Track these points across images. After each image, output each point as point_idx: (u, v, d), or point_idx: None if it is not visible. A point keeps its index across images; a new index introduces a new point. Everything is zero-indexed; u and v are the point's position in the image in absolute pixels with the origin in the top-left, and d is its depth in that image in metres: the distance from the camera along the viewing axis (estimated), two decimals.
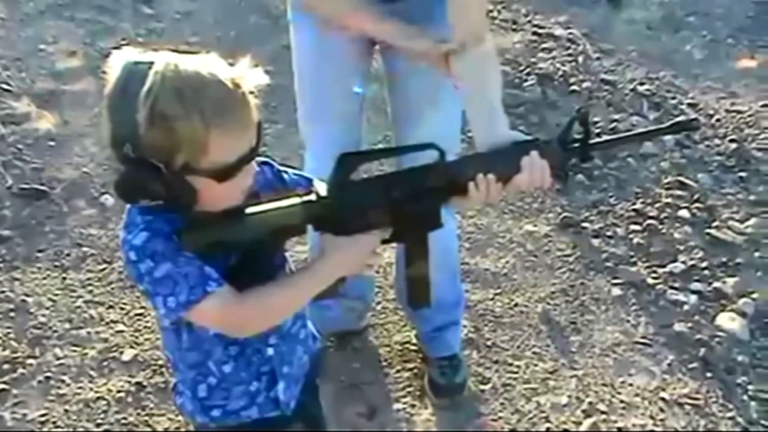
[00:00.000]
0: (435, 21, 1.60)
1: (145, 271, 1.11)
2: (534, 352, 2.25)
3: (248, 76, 1.11)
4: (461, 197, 1.31)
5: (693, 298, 2.44)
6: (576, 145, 1.34)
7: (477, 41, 1.49)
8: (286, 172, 1.29)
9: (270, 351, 1.27)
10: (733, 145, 3.11)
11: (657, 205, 2.80)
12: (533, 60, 3.50)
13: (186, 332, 1.21)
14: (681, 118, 1.36)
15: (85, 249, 2.47)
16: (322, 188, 1.22)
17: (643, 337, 2.31)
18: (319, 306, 2.13)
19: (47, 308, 2.29)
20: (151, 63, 1.07)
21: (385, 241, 1.29)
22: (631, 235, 2.68)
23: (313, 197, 1.21)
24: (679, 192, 2.86)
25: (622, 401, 2.12)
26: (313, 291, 1.23)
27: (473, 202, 1.32)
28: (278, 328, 1.26)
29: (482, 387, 2.14)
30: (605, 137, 1.42)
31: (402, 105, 1.84)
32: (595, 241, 2.65)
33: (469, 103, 1.49)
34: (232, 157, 1.09)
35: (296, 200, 1.20)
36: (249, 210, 1.17)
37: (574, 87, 3.37)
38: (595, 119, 3.18)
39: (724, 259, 2.58)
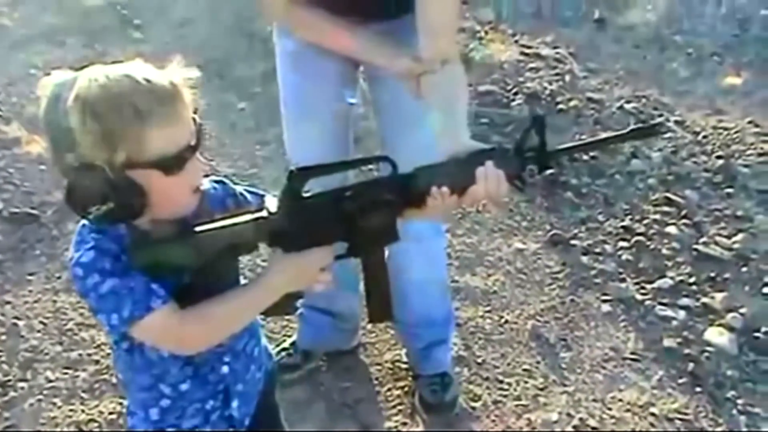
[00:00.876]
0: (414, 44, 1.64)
1: (91, 287, 1.11)
2: (524, 369, 2.26)
3: (177, 71, 1.12)
4: (417, 209, 1.28)
5: (681, 313, 2.45)
6: (532, 153, 1.30)
7: (447, 60, 1.52)
8: (240, 193, 1.29)
9: (224, 369, 1.26)
10: (720, 162, 3.15)
11: (645, 221, 2.82)
12: (520, 79, 3.54)
13: (138, 353, 1.21)
14: (642, 124, 1.31)
15: None
16: (273, 204, 1.20)
17: (633, 353, 2.32)
18: (311, 325, 2.16)
19: (38, 331, 2.29)
20: (76, 76, 1.10)
21: (340, 256, 1.27)
22: (619, 252, 2.70)
23: (264, 213, 1.19)
24: (666, 208, 2.88)
25: (612, 416, 2.13)
26: (257, 306, 1.21)
27: (429, 214, 1.30)
28: (232, 346, 1.26)
29: (473, 404, 2.14)
30: (563, 144, 1.36)
31: (388, 121, 1.86)
32: (584, 258, 2.67)
33: (435, 117, 1.50)
34: (173, 148, 1.09)
35: (247, 217, 1.19)
36: (200, 228, 1.16)
37: (561, 106, 3.41)
38: (583, 137, 3.21)
39: (712, 275, 2.60)
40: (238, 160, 3.03)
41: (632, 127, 1.37)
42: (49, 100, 1.10)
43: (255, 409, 1.34)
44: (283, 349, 2.20)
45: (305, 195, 1.21)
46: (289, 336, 2.27)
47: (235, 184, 1.31)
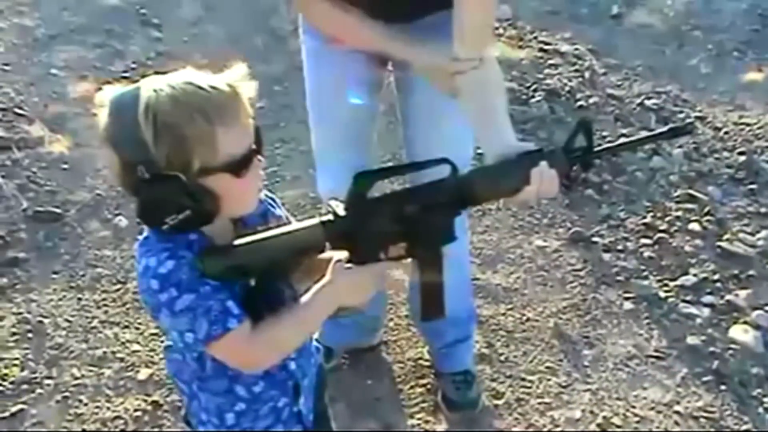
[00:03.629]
0: (439, 42, 1.63)
1: (165, 302, 1.11)
2: (547, 367, 2.26)
3: (234, 74, 1.14)
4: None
5: (705, 311, 2.44)
6: (579, 153, 1.35)
7: (483, 59, 1.51)
8: (285, 217, 1.31)
9: (293, 365, 1.29)
10: (742, 158, 3.12)
11: (667, 218, 2.81)
12: (540, 76, 3.53)
13: (210, 360, 1.21)
14: (678, 123, 1.39)
15: (99, 270, 2.50)
16: (339, 207, 1.24)
17: (656, 351, 2.31)
18: (334, 323, 2.16)
19: (64, 329, 2.31)
20: (137, 87, 1.10)
21: (398, 257, 1.30)
22: (641, 249, 2.68)
23: (330, 216, 1.22)
24: (689, 205, 2.86)
25: (636, 415, 2.12)
26: (318, 322, 1.25)
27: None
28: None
29: (496, 402, 2.14)
30: (607, 144, 1.42)
31: (413, 121, 1.85)
32: (606, 256, 2.66)
33: (476, 118, 1.51)
34: (240, 150, 1.12)
35: (315, 220, 1.22)
36: (267, 234, 1.19)
37: (581, 102, 3.39)
38: (604, 134, 3.20)
39: (735, 272, 2.58)
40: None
41: (669, 126, 1.41)
42: (112, 114, 1.10)
43: (313, 405, 1.37)
44: None
45: (370, 198, 1.24)
46: None
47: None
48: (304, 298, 1.21)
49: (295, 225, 1.22)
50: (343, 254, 1.23)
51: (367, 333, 2.23)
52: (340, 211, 1.23)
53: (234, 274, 1.16)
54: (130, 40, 3.63)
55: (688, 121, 1.26)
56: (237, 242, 1.18)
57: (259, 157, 1.16)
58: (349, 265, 1.22)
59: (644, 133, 3.10)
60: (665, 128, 1.42)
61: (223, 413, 1.26)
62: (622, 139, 1.43)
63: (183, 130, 1.07)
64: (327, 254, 1.24)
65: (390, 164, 2.56)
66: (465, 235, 2.10)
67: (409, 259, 1.31)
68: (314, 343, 1.41)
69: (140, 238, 1.18)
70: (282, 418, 1.30)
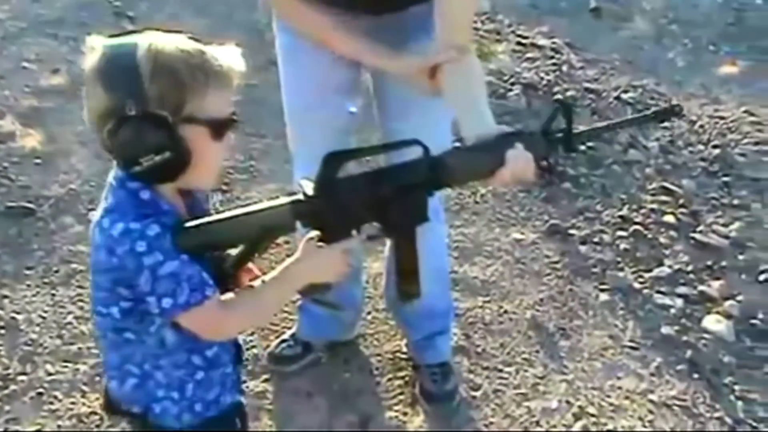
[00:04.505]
0: (426, 33, 1.64)
1: (150, 265, 1.11)
2: (524, 358, 2.27)
3: (232, 52, 1.18)
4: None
5: (679, 301, 2.46)
6: (559, 135, 1.34)
7: (464, 50, 1.52)
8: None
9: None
10: (717, 151, 3.16)
11: (642, 211, 2.83)
12: (517, 70, 3.54)
13: (171, 334, 1.21)
14: (663, 105, 1.38)
15: (74, 265, 2.47)
16: (309, 187, 1.23)
17: (631, 341, 2.34)
18: (312, 317, 2.16)
19: (37, 325, 2.28)
20: (136, 35, 1.14)
21: (373, 237, 1.32)
22: (617, 241, 2.71)
23: (300, 196, 1.23)
24: (663, 198, 2.89)
25: (611, 404, 2.14)
26: (286, 298, 1.29)
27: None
28: None
29: (473, 393, 2.15)
30: (588, 126, 1.43)
31: (391, 113, 1.85)
32: (582, 248, 2.68)
33: (458, 107, 1.51)
34: (224, 113, 1.15)
35: (285, 199, 1.23)
36: (238, 211, 1.20)
37: (558, 96, 3.41)
38: (580, 127, 3.21)
39: (709, 263, 2.61)
40: (234, 153, 3.01)
41: (654, 109, 1.41)
42: (106, 54, 1.12)
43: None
44: (283, 341, 2.21)
45: (340, 177, 1.24)
46: (289, 327, 2.28)
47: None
48: (273, 274, 1.22)
49: (265, 203, 1.22)
50: (314, 233, 1.24)
51: (345, 327, 2.23)
52: (309, 191, 1.23)
53: (206, 249, 1.18)
54: (103, 34, 3.60)
55: (674, 103, 1.25)
56: (210, 219, 1.19)
57: (231, 135, 1.19)
58: (320, 243, 1.23)
59: (625, 131, 3.14)
60: (651, 111, 1.41)
61: (183, 384, 1.26)
62: (604, 122, 1.40)
63: (181, 76, 1.10)
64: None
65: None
66: (443, 227, 2.10)
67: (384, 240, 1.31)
68: None
69: (100, 210, 1.16)
70: (227, 386, 1.32)
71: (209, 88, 1.12)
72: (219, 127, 1.15)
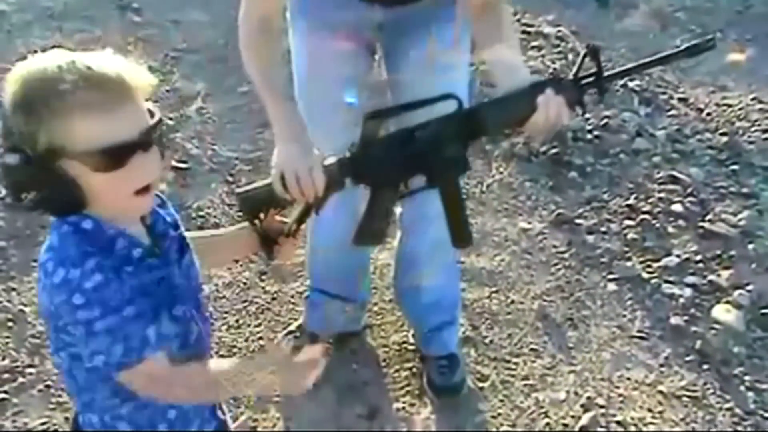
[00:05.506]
0: (439, 23, 1.64)
1: (84, 320, 1.03)
2: (531, 349, 2.26)
3: (129, 64, 1.05)
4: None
5: (688, 291, 2.45)
6: (591, 79, 1.40)
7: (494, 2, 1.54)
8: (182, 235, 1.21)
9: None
10: (725, 139, 3.13)
11: (650, 200, 2.81)
12: (523, 58, 3.51)
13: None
14: (696, 40, 1.41)
15: None
16: (354, 147, 1.41)
17: (640, 332, 2.32)
18: (318, 309, 2.15)
19: None
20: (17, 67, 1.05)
21: (417, 190, 1.46)
22: (625, 231, 2.69)
23: (347, 154, 1.41)
24: (671, 186, 2.87)
25: (620, 395, 2.13)
26: (238, 391, 1.15)
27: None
28: (208, 334, 1.25)
29: (481, 384, 2.14)
30: (618, 68, 1.47)
31: (403, 96, 1.80)
32: (590, 238, 2.67)
33: (489, 57, 1.52)
34: (106, 142, 1.00)
35: (332, 159, 1.41)
36: None
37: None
38: (587, 116, 3.19)
39: (718, 252, 2.59)
40: (240, 144, 3.01)
41: (686, 45, 1.44)
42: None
43: None
44: (290, 332, 2.20)
45: (382, 136, 1.41)
46: (296, 319, 2.27)
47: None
48: (241, 365, 1.16)
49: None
50: (288, 349, 1.18)
51: (352, 320, 2.22)
52: (354, 149, 1.40)
53: (266, 209, 1.36)
54: (108, 25, 3.59)
55: (708, 37, 1.26)
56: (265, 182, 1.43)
57: (149, 154, 1.05)
58: (297, 359, 1.15)
59: (633, 122, 3.11)
60: (684, 46, 1.43)
61: (155, 425, 1.19)
62: (637, 62, 1.45)
63: (33, 104, 1.00)
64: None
65: None
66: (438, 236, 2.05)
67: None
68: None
69: (45, 245, 1.09)
70: (205, 415, 1.26)
71: (73, 115, 0.99)
72: (100, 159, 1.01)
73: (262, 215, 1.35)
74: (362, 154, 1.40)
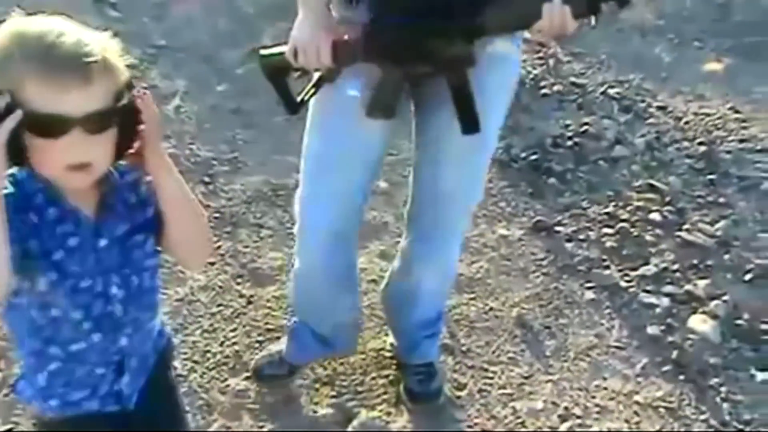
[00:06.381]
0: None
1: None
2: (509, 357, 2.25)
3: (107, 43, 1.09)
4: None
5: (665, 300, 2.45)
6: None
7: None
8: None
9: (123, 340, 1.24)
10: (702, 148, 3.15)
11: (629, 208, 2.82)
12: None
13: (30, 312, 1.17)
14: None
15: None
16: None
17: (617, 341, 2.32)
18: (300, 343, 2.05)
19: None
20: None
21: (424, 74, 1.61)
22: (603, 239, 2.69)
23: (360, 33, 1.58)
24: (650, 195, 2.88)
25: (597, 405, 2.13)
26: None
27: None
28: (135, 318, 1.24)
29: (458, 393, 2.13)
30: None
31: (425, 147, 1.78)
32: (569, 245, 2.66)
33: None
34: (46, 108, 1.03)
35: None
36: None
37: (545, 90, 3.39)
38: (567, 122, 3.20)
39: (695, 262, 2.60)
40: (218, 144, 2.97)
41: None
42: None
43: (146, 389, 1.31)
44: (270, 355, 2.11)
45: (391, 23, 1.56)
46: (272, 324, 2.24)
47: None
48: None
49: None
50: None
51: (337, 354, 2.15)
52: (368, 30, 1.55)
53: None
54: (86, 20, 3.52)
55: None
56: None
57: (93, 137, 1.06)
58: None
59: (611, 131, 3.12)
60: None
61: (35, 372, 1.23)
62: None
63: (8, 55, 1.04)
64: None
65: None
66: (458, 244, 1.97)
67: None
68: (159, 326, 1.34)
69: None
70: (99, 392, 1.26)
71: (31, 77, 1.03)
72: (34, 122, 1.03)
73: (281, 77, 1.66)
74: (373, 35, 1.55)
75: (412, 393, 2.07)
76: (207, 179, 2.79)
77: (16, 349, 1.26)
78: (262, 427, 2.01)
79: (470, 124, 1.61)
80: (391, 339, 2.20)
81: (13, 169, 1.10)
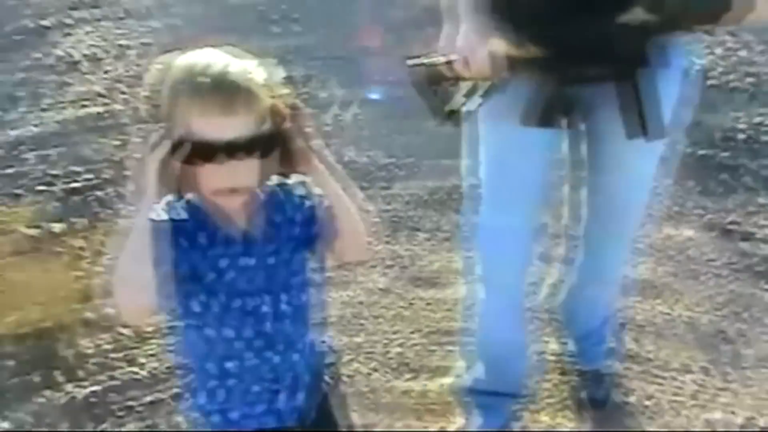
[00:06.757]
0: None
1: None
2: (682, 363, 2.14)
3: (246, 70, 1.12)
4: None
5: None
6: None
7: None
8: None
9: (276, 358, 1.26)
10: None
11: None
12: None
13: (187, 331, 1.23)
14: None
15: None
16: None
17: None
18: (484, 408, 1.94)
19: None
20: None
21: (590, 79, 1.50)
22: None
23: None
24: None
25: None
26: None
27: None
28: (287, 336, 1.25)
29: (626, 400, 2.05)
30: None
31: (600, 169, 1.75)
32: (744, 245, 2.51)
33: None
34: (193, 135, 1.09)
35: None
36: None
37: (713, 81, 3.21)
38: (738, 115, 3.02)
39: None
40: (395, 149, 3.01)
41: None
42: None
43: (307, 407, 1.32)
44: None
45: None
46: (434, 333, 2.26)
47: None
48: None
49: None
50: None
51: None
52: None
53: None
54: (250, 36, 3.71)
55: None
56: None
57: (239, 163, 1.10)
58: None
59: None
60: None
61: (197, 390, 1.27)
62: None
63: (166, 89, 1.12)
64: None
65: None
66: (629, 251, 1.95)
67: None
68: (315, 341, 1.34)
69: None
70: (256, 410, 1.28)
71: (178, 104, 1.10)
72: (186, 148, 1.09)
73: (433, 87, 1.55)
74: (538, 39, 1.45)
75: (580, 399, 2.02)
76: (384, 183, 2.84)
77: (180, 367, 1.31)
78: (426, 427, 2.04)
79: (635, 130, 1.51)
80: (554, 345, 2.15)
81: (166, 197, 1.16)
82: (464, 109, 1.64)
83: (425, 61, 1.61)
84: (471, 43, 1.51)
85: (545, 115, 1.57)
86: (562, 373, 2.10)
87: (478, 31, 1.52)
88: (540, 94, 1.55)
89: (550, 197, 1.87)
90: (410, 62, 1.63)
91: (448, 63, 1.54)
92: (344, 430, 1.44)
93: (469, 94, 1.61)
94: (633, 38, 1.42)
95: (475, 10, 1.55)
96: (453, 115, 1.65)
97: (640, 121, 1.50)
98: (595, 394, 2.01)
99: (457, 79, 1.58)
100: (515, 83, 1.55)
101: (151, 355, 2.26)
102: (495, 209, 1.74)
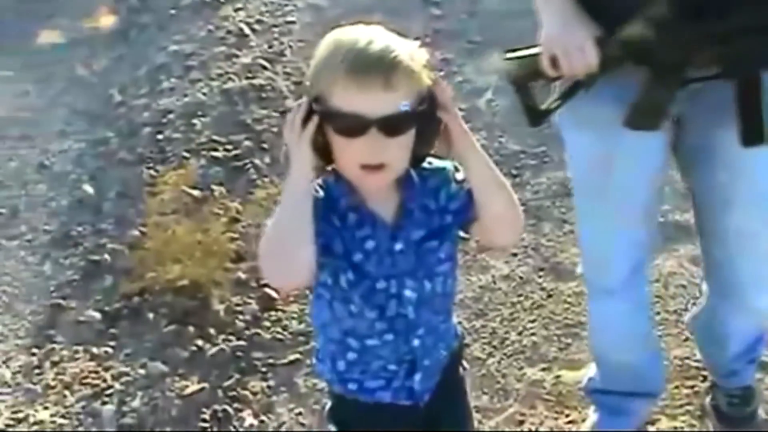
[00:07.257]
0: None
1: None
2: None
3: (418, 54, 1.15)
4: None
5: None
6: None
7: None
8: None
9: (416, 342, 1.28)
10: None
11: None
12: None
13: (332, 305, 1.25)
14: None
15: None
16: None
17: None
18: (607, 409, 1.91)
19: None
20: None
21: (709, 77, 1.33)
22: None
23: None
24: None
25: None
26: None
27: None
28: (427, 320, 1.28)
29: None
30: None
31: (735, 206, 1.56)
32: None
33: None
34: (348, 108, 1.12)
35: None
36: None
37: None
38: None
39: None
40: (527, 138, 2.99)
41: None
42: None
43: (437, 387, 1.34)
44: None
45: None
46: (571, 319, 2.22)
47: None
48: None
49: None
50: None
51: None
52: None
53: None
54: (410, 17, 3.75)
55: None
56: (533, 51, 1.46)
57: (387, 140, 1.13)
58: None
59: None
60: None
61: (335, 360, 1.31)
62: None
63: (319, 60, 1.15)
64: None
65: None
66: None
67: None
68: (457, 328, 1.39)
69: None
70: (392, 385, 1.30)
71: (338, 79, 1.11)
72: (337, 120, 1.13)
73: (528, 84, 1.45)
74: (648, 28, 1.29)
75: (722, 414, 1.91)
76: (515, 172, 2.83)
77: (318, 334, 1.35)
78: (556, 418, 2.02)
79: (752, 137, 1.35)
80: (684, 349, 2.08)
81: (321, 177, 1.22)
82: (559, 110, 1.51)
83: (524, 53, 1.49)
84: (567, 35, 1.38)
85: (656, 115, 1.41)
86: (705, 380, 2.02)
87: (582, 23, 1.39)
88: (649, 94, 1.39)
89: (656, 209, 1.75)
90: (508, 56, 1.51)
91: (550, 57, 1.40)
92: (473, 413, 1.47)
93: (566, 96, 1.47)
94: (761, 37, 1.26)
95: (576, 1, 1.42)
96: (547, 116, 1.53)
97: (760, 126, 1.34)
98: (740, 411, 1.90)
99: (556, 77, 1.45)
100: (615, 82, 1.40)
101: (293, 318, 2.38)
102: (595, 228, 1.67)
